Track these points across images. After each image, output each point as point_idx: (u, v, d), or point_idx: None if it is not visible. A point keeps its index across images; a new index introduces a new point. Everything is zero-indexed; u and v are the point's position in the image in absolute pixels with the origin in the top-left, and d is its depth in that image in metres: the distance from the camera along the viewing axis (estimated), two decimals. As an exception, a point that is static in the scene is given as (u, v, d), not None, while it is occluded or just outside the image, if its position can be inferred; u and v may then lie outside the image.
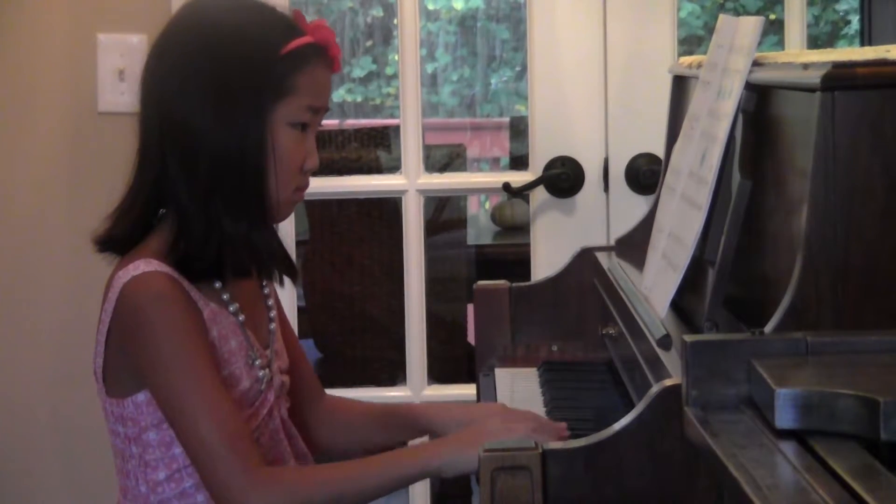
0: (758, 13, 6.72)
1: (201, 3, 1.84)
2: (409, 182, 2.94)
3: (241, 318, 1.83)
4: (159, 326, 1.72)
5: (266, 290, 1.92)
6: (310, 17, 1.84)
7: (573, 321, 2.38)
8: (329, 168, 3.57)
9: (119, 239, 1.81)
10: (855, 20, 6.89)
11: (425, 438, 2.74)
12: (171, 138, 1.77)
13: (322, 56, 1.81)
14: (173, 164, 1.77)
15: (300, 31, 1.80)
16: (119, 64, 2.85)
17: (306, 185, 1.84)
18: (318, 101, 1.81)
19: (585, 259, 2.38)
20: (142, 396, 1.76)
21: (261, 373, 1.83)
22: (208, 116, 1.76)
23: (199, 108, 1.76)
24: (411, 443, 2.86)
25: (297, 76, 1.78)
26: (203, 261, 1.77)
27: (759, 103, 1.64)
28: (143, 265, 1.74)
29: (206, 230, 1.77)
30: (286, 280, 1.89)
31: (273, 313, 1.92)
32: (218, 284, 1.81)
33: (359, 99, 7.27)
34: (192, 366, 1.71)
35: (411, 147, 2.93)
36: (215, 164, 1.76)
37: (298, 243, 3.19)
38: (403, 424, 2.01)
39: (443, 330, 3.77)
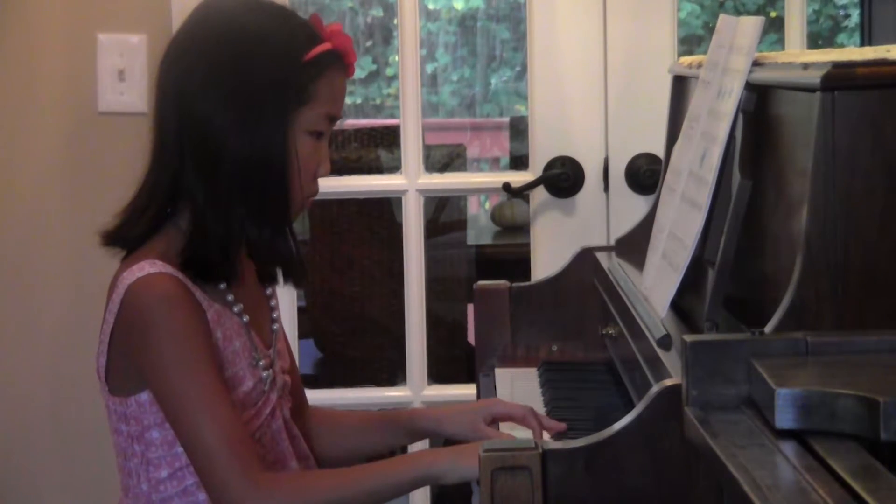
0: (758, 12, 6.72)
1: (221, 4, 1.83)
2: (409, 182, 2.94)
3: (246, 318, 1.83)
4: (163, 329, 1.72)
5: (269, 290, 1.92)
6: (309, 17, 1.84)
7: (573, 321, 2.38)
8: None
9: (132, 237, 1.81)
10: (855, 14, 6.90)
11: (425, 444, 2.75)
12: (189, 138, 1.77)
13: (339, 63, 1.81)
14: (191, 165, 1.77)
15: (320, 36, 1.80)
16: (119, 64, 2.85)
17: (317, 191, 1.84)
18: (335, 110, 1.81)
19: (585, 259, 2.38)
20: (145, 396, 1.76)
21: (264, 373, 1.84)
22: (232, 119, 1.75)
23: (223, 110, 1.75)
24: (411, 448, 2.87)
25: (317, 84, 1.78)
26: (219, 264, 1.77)
27: (759, 103, 1.64)
28: (149, 266, 1.74)
29: (225, 233, 1.77)
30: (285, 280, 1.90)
31: (276, 313, 1.92)
32: (223, 286, 1.81)
33: (359, 99, 7.27)
34: (195, 369, 1.71)
35: (411, 147, 2.93)
36: (238, 169, 1.75)
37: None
38: (401, 428, 2.01)
39: (443, 330, 3.77)
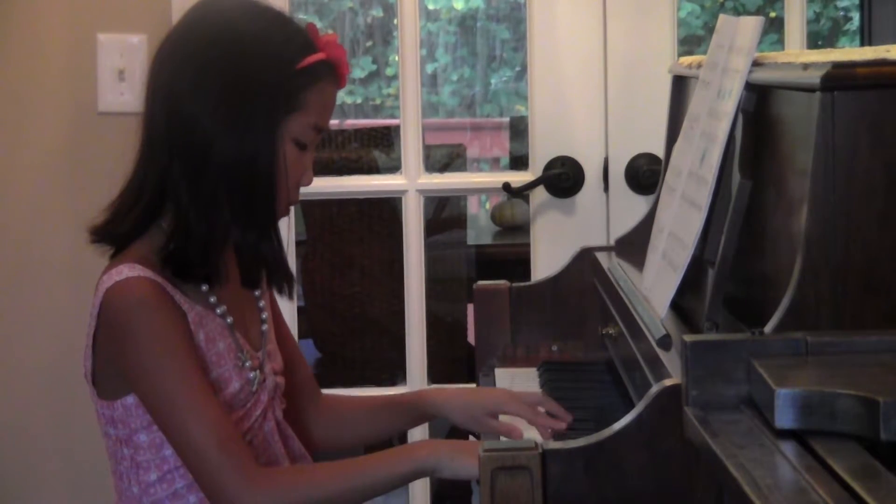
0: (758, 12, 6.72)
1: (217, 5, 1.82)
2: (409, 182, 2.94)
3: (230, 320, 1.82)
4: (142, 333, 1.71)
5: (257, 293, 1.91)
6: (309, 17, 1.83)
7: (573, 321, 2.38)
8: (329, 168, 3.57)
9: (119, 234, 1.81)
10: (856, 17, 6.90)
11: (424, 433, 2.74)
12: (177, 136, 1.77)
13: (332, 74, 1.80)
14: (178, 164, 1.77)
15: (314, 46, 1.79)
16: (119, 64, 2.85)
17: (297, 200, 1.84)
18: (322, 121, 1.81)
19: (585, 259, 2.38)
20: (131, 399, 1.76)
21: (251, 374, 1.83)
22: (220, 120, 1.75)
23: (211, 111, 1.75)
24: (411, 438, 2.86)
25: (307, 93, 1.77)
26: (199, 264, 1.76)
27: (759, 103, 1.64)
28: (127, 270, 1.74)
29: (207, 234, 1.76)
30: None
31: (265, 315, 1.91)
32: (205, 287, 1.80)
33: (359, 99, 7.27)
34: (177, 370, 1.70)
35: (411, 147, 2.93)
36: (224, 171, 1.75)
37: (298, 243, 3.19)
38: (407, 411, 2.02)
39: (443, 330, 3.77)
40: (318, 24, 1.85)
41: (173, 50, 1.80)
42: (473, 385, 2.45)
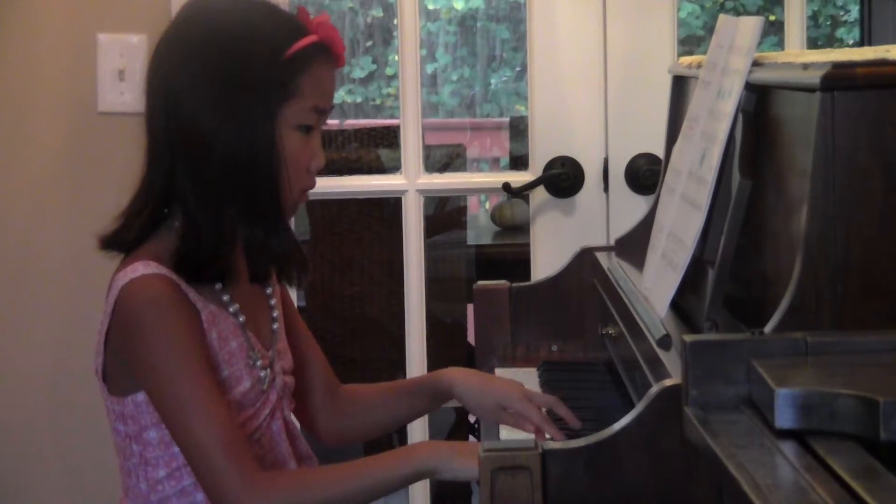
0: (758, 13, 6.73)
1: (206, 3, 1.83)
2: (409, 182, 2.94)
3: (242, 318, 1.83)
4: (154, 331, 1.71)
5: (269, 291, 1.92)
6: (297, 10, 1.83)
7: (573, 321, 2.38)
8: (329, 168, 3.56)
9: (129, 240, 1.81)
10: (854, 10, 6.90)
11: (424, 434, 2.74)
12: (178, 138, 1.77)
13: (326, 54, 1.80)
14: (181, 165, 1.77)
15: (305, 30, 1.79)
16: (119, 64, 2.85)
17: (312, 185, 1.84)
18: (323, 102, 1.80)
19: (585, 259, 2.38)
20: (141, 396, 1.76)
21: (262, 373, 1.83)
22: (217, 118, 1.75)
23: (208, 109, 1.75)
24: (411, 439, 2.86)
25: (302, 77, 1.77)
26: (211, 265, 1.77)
27: (759, 103, 1.64)
28: (142, 267, 1.74)
29: (217, 234, 1.76)
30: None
31: (276, 313, 1.92)
32: (218, 286, 1.81)
33: (359, 99, 7.28)
34: (186, 370, 1.71)
35: (411, 147, 2.93)
36: (226, 168, 1.75)
37: (298, 243, 3.18)
38: (425, 392, 2.03)
39: (443, 330, 3.77)
40: (317, 25, 1.85)
41: (168, 50, 1.81)
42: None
